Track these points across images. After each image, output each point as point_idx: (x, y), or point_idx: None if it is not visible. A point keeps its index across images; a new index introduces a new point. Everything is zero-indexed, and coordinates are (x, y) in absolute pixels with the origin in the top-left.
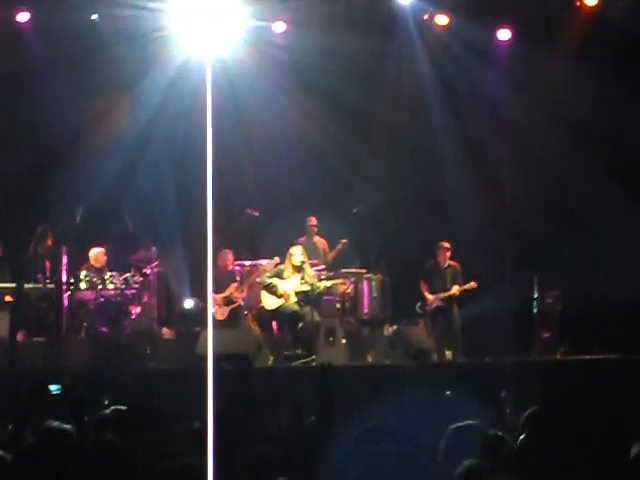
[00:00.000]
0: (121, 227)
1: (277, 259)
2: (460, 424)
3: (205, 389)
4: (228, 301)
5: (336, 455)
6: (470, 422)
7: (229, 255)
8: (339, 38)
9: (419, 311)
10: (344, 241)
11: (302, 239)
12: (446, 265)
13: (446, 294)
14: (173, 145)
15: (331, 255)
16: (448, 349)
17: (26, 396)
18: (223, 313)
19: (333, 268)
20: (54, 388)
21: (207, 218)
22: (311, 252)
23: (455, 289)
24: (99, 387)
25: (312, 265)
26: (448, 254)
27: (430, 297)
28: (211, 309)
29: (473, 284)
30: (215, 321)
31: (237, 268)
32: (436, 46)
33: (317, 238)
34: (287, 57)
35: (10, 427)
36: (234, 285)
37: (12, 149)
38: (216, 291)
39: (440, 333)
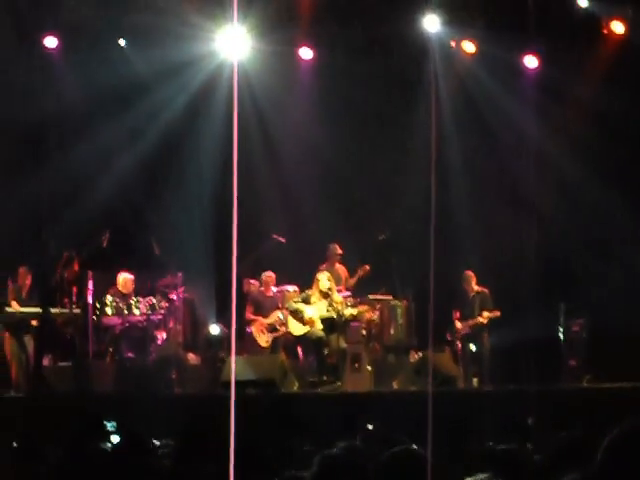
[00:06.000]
0: (148, 252)
1: (295, 287)
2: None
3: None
4: (272, 328)
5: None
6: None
7: (271, 278)
8: (365, 64)
9: (449, 338)
10: (366, 267)
11: (323, 266)
12: (473, 293)
13: (474, 322)
14: (201, 171)
15: (352, 282)
16: (475, 376)
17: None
18: (267, 340)
19: (359, 294)
20: (110, 425)
21: (232, 243)
22: (333, 279)
23: (484, 316)
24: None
25: (338, 291)
26: (474, 282)
27: (459, 325)
28: (234, 335)
29: (497, 313)
30: (257, 347)
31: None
32: (463, 73)
33: (338, 265)
34: (313, 82)
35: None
36: (277, 312)
37: (40, 173)
38: (262, 315)
39: (468, 360)
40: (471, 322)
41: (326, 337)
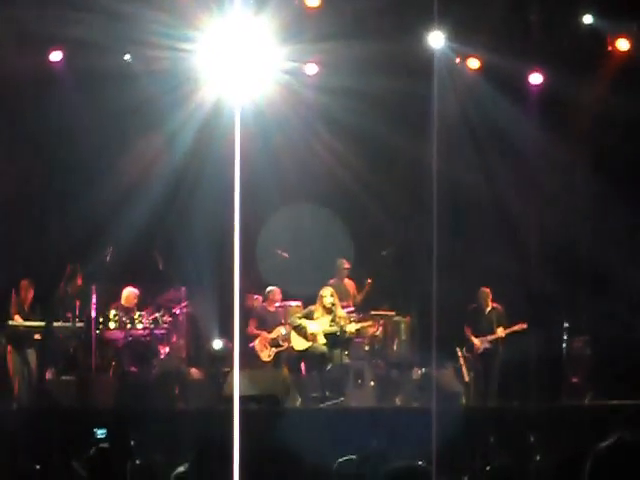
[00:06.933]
0: (151, 267)
1: (298, 303)
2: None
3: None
4: (275, 343)
5: None
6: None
7: (275, 293)
8: (370, 80)
9: (466, 354)
10: (369, 281)
11: (332, 281)
12: (489, 308)
13: (493, 336)
14: (204, 185)
15: (360, 297)
16: (479, 393)
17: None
18: (270, 355)
19: (362, 310)
20: (100, 432)
21: (235, 258)
22: (341, 294)
23: (500, 331)
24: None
25: (342, 307)
26: (489, 298)
27: (477, 341)
28: (237, 349)
29: (523, 325)
30: (260, 362)
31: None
32: (467, 89)
33: (347, 280)
34: (318, 98)
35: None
36: (280, 327)
37: (43, 188)
38: (265, 330)
39: (478, 376)
40: (490, 337)
41: (329, 352)
